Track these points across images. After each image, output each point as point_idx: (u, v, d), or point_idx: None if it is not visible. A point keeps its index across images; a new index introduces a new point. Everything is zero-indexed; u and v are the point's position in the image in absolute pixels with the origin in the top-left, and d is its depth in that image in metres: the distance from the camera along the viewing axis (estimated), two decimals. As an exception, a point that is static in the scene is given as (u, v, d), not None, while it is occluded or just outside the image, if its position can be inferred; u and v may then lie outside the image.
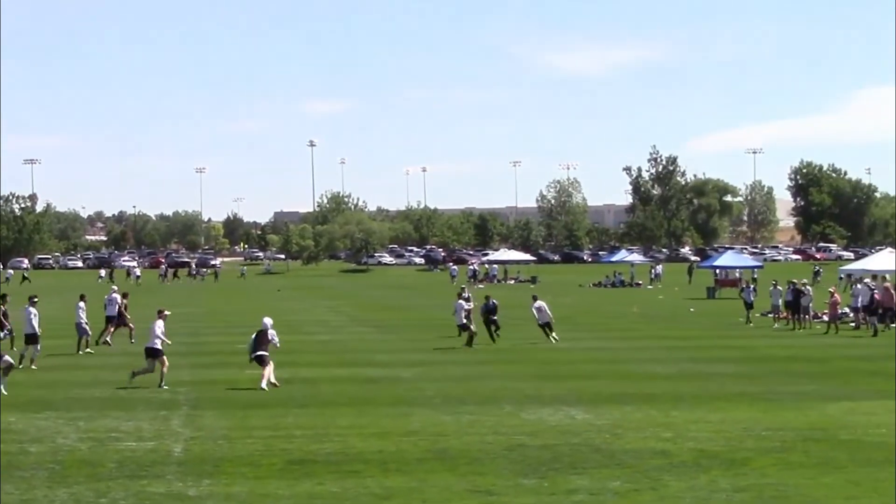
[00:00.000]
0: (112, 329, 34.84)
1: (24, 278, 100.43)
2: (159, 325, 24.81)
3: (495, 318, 34.96)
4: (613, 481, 14.31)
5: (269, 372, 24.00)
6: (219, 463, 15.63)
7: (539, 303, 35.29)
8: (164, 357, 24.62)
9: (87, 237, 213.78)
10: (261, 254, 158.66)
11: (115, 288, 37.28)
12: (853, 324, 41.34)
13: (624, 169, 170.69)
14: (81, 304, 32.42)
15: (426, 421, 19.30)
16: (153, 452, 16.41)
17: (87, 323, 32.34)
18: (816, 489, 13.87)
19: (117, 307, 34.79)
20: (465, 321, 33.99)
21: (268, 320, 25.02)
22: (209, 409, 20.76)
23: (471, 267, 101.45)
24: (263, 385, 23.49)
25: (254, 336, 24.61)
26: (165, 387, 23.64)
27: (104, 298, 35.52)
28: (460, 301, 34.53)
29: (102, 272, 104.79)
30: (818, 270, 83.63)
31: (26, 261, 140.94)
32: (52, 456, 16.19)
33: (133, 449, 16.70)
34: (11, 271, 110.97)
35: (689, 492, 13.73)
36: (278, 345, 24.74)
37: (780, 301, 43.16)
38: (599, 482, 14.27)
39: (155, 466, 15.35)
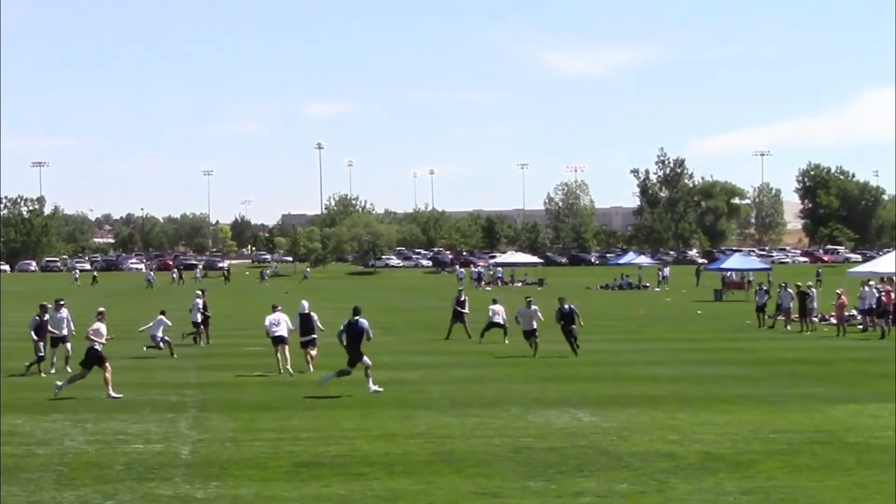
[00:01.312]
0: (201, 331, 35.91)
1: (94, 279, 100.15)
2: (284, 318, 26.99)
3: (573, 326, 31.57)
4: (620, 484, 14.31)
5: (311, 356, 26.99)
6: (226, 465, 15.66)
7: (534, 307, 33.30)
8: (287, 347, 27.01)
9: (95, 240, 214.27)
10: (268, 256, 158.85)
11: (200, 293, 37.77)
12: (860, 326, 41.26)
13: (631, 171, 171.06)
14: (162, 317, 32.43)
15: (432, 423, 19.31)
16: (160, 455, 16.44)
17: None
18: (823, 492, 13.86)
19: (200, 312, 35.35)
20: (534, 326, 31.91)
21: (305, 303, 27.57)
22: (216, 412, 20.80)
23: (475, 269, 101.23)
24: (311, 368, 26.41)
25: (298, 320, 27.09)
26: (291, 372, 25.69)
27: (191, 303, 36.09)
28: (534, 307, 32.52)
29: (151, 275, 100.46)
30: (819, 272, 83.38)
31: (34, 263, 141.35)
32: (60, 458, 16.23)
33: (140, 451, 16.73)
34: (78, 272, 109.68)
35: (695, 494, 13.73)
36: (322, 328, 27.40)
37: (792, 304, 42.94)
38: (606, 485, 14.27)
39: (162, 469, 15.38)
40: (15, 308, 56.43)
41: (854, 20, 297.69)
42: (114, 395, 22.67)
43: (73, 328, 28.59)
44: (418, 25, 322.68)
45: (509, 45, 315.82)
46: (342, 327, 23.29)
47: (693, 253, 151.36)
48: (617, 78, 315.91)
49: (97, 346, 23.16)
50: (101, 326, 23.68)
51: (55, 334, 28.22)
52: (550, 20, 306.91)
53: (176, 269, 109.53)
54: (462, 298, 39.03)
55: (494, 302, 36.71)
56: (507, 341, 35.12)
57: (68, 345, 28.36)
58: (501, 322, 36.06)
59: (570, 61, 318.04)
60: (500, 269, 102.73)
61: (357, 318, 23.06)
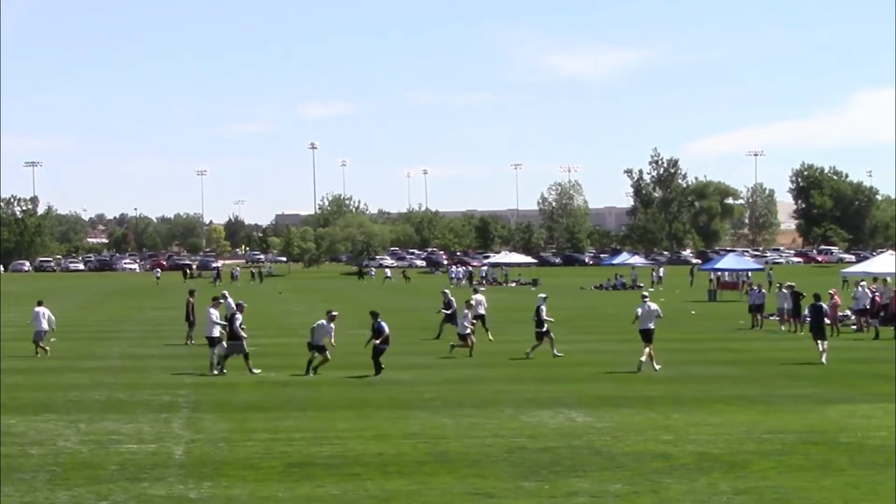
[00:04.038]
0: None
1: (254, 276, 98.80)
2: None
3: (384, 346, 27.08)
4: (614, 484, 14.32)
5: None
6: (219, 465, 15.65)
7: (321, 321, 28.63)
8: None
9: (89, 240, 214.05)
10: (262, 256, 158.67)
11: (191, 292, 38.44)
12: (854, 326, 41.29)
13: (625, 171, 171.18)
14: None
15: (426, 424, 19.31)
16: (154, 455, 16.42)
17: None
18: (816, 492, 13.88)
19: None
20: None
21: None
22: (209, 412, 20.78)
23: (461, 269, 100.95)
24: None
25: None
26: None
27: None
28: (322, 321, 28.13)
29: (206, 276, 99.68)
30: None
31: (27, 263, 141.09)
32: (53, 458, 16.21)
33: (134, 451, 16.72)
34: (160, 271, 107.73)
35: (689, 494, 13.74)
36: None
37: (787, 305, 42.85)
38: (600, 485, 14.28)
39: (155, 469, 15.37)
40: (9, 309, 56.27)
41: (849, 22, 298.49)
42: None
43: None
44: (409, 26, 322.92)
45: (503, 46, 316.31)
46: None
47: (687, 253, 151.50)
48: (611, 78, 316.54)
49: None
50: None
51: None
52: (544, 21, 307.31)
53: (158, 268, 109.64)
54: (449, 300, 38.91)
55: (475, 292, 36.85)
56: (490, 337, 35.52)
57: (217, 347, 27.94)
58: (482, 313, 36.28)
59: (563, 62, 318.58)
60: (484, 268, 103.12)
61: None
